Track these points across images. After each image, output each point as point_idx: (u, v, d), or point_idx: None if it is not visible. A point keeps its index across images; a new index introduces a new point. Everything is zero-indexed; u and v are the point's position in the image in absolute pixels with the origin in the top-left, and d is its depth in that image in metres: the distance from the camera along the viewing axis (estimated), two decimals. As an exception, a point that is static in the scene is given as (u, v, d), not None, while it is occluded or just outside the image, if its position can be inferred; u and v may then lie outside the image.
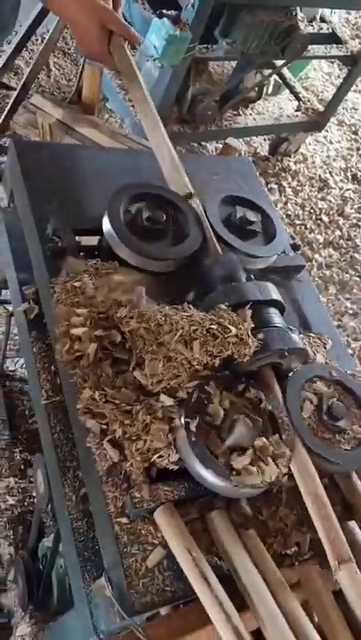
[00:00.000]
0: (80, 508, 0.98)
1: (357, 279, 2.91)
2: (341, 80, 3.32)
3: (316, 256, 2.98)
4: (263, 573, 0.82)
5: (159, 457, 0.88)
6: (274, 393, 0.98)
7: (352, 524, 0.92)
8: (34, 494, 1.65)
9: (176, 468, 0.89)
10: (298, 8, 2.55)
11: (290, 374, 1.03)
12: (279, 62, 2.90)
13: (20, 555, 1.45)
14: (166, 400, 0.91)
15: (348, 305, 2.76)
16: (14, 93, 2.62)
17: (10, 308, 1.55)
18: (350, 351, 2.54)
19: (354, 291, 2.85)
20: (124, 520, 0.87)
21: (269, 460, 0.88)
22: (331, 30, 3.02)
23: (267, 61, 2.81)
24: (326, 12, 3.08)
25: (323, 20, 3.06)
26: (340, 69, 4.15)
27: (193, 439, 0.87)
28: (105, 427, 0.91)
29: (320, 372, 1.05)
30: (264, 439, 0.90)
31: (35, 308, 1.17)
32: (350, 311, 2.74)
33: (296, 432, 0.95)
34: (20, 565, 1.40)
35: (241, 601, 0.81)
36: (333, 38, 3.01)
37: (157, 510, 0.86)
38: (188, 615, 0.80)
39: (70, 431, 1.04)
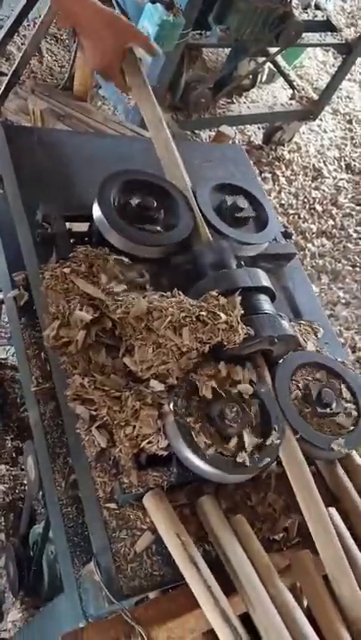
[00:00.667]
0: (70, 494, 0.98)
1: (350, 269, 2.92)
2: (336, 69, 3.30)
3: (310, 245, 2.98)
4: (251, 558, 0.83)
5: (148, 443, 0.88)
6: (264, 379, 0.99)
7: (331, 509, 0.93)
8: (25, 482, 1.65)
9: (165, 453, 0.89)
10: (292, -6, 2.53)
11: (280, 361, 1.03)
12: (273, 50, 2.88)
13: (11, 541, 1.46)
14: (156, 386, 0.91)
15: (341, 294, 2.77)
16: (5, 79, 2.60)
17: (0, 295, 1.54)
18: (342, 340, 2.55)
19: (346, 280, 2.85)
20: (113, 505, 0.87)
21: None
22: (326, 18, 3.00)
23: (261, 49, 2.79)
24: (321, -1, 3.06)
25: (317, 7, 3.04)
26: (335, 58, 4.12)
27: (182, 425, 0.87)
28: (94, 413, 0.91)
29: (310, 359, 1.06)
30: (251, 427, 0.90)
31: (24, 294, 1.17)
32: (343, 300, 2.74)
33: (285, 418, 0.95)
34: (10, 552, 1.41)
35: (229, 585, 0.82)
36: (328, 26, 2.99)
37: (146, 496, 0.86)
38: (177, 599, 0.81)
39: (60, 418, 1.04)
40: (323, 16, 2.99)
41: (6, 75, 2.85)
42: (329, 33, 2.97)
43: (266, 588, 0.81)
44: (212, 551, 0.87)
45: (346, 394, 1.04)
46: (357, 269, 2.92)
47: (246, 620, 0.80)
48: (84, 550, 0.94)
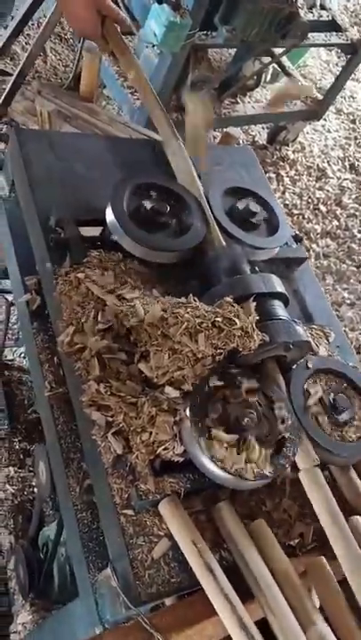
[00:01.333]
0: (84, 499, 0.98)
1: (355, 269, 2.92)
2: (340, 68, 3.29)
3: (314, 246, 2.98)
4: (270, 563, 0.83)
5: (164, 449, 0.89)
6: (278, 385, 0.99)
7: (358, 517, 0.93)
8: (33, 483, 1.66)
9: (181, 460, 0.89)
10: (298, -5, 2.52)
11: (293, 367, 1.03)
12: (278, 50, 2.88)
13: (21, 544, 1.46)
14: (172, 392, 0.91)
15: (346, 295, 2.77)
16: (10, 79, 2.59)
17: (9, 297, 1.55)
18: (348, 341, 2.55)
19: (351, 281, 2.85)
20: (130, 512, 0.87)
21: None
22: (331, 18, 2.99)
23: (266, 49, 2.79)
24: (326, -1, 3.05)
25: (322, 7, 3.03)
26: (339, 57, 4.12)
27: (198, 431, 0.87)
28: (110, 419, 0.91)
29: (324, 364, 1.06)
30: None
31: (37, 298, 1.17)
32: (348, 301, 2.74)
33: (300, 425, 0.95)
34: (20, 554, 1.41)
35: (246, 591, 0.82)
36: (333, 26, 2.98)
37: (162, 502, 0.86)
38: (194, 606, 0.81)
39: (74, 422, 1.04)
40: (328, 16, 2.98)
41: (11, 75, 2.84)
42: (334, 33, 2.96)
43: (284, 594, 0.81)
44: (228, 557, 0.88)
45: (358, 397, 1.04)
46: (362, 270, 2.93)
47: (264, 626, 0.80)
48: (99, 555, 0.94)
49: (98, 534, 0.96)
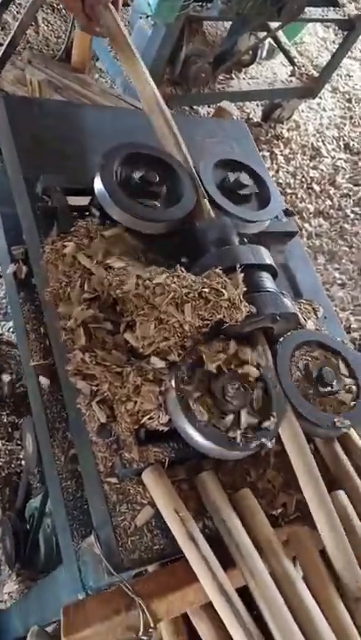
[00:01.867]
0: (69, 469, 0.98)
1: (346, 249, 2.91)
2: (337, 46, 3.25)
3: (306, 225, 2.97)
4: (254, 531, 0.83)
5: (149, 418, 0.88)
6: (265, 357, 0.98)
7: (340, 492, 0.94)
8: (21, 456, 1.66)
9: (166, 429, 0.89)
10: (296, -33, 2.47)
11: (281, 339, 1.03)
12: (274, 25, 2.83)
13: (8, 515, 1.47)
14: (157, 362, 0.91)
15: (337, 275, 2.77)
16: (1, 49, 2.54)
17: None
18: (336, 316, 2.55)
19: (343, 261, 2.85)
20: (114, 480, 0.87)
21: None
22: (328, -8, 2.94)
23: (262, 23, 2.74)
24: (324, -28, 2.99)
25: (320, -19, 2.97)
26: (336, 34, 4.06)
27: (183, 401, 0.87)
28: (95, 388, 0.91)
29: (311, 337, 1.06)
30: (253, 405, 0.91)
31: (24, 268, 1.15)
32: (339, 281, 2.74)
33: (286, 396, 0.95)
34: (7, 526, 1.42)
35: (227, 559, 0.83)
36: (331, 1, 2.94)
37: (145, 471, 0.86)
38: (176, 572, 0.82)
39: (59, 393, 1.04)
40: (326, -10, 2.93)
41: (1, 45, 2.79)
42: (331, 8, 2.92)
43: (268, 561, 0.82)
44: (211, 526, 0.88)
45: (345, 371, 1.04)
46: (354, 250, 2.92)
47: (245, 593, 0.81)
48: (82, 523, 0.94)
49: (82, 503, 0.96)
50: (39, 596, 1.15)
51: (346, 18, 2.91)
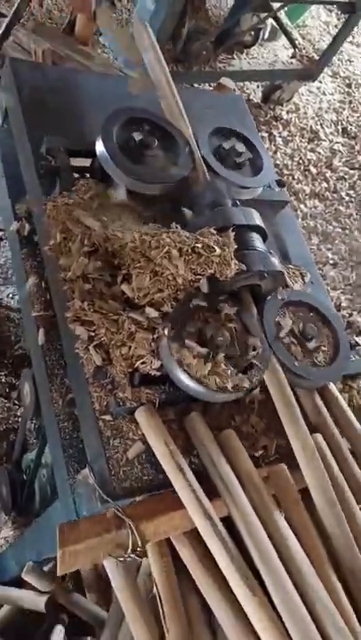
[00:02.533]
0: (66, 411, 1.05)
1: (340, 231, 2.97)
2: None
3: (302, 206, 3.03)
4: (237, 468, 0.91)
5: (142, 363, 0.95)
6: (251, 312, 1.05)
7: (317, 435, 1.01)
8: (18, 414, 1.73)
9: (158, 374, 0.96)
10: None
11: (268, 297, 1.10)
12: (276, 5, 2.86)
13: (5, 466, 1.54)
14: (151, 312, 0.98)
15: (330, 255, 2.83)
16: (5, 20, 2.56)
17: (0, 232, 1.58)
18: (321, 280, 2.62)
19: (336, 242, 2.91)
20: (108, 417, 0.94)
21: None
22: (331, -25, 2.97)
23: (264, 3, 2.77)
24: None
25: None
26: (338, 19, 4.08)
27: (174, 346, 0.93)
28: (92, 334, 0.97)
29: (296, 297, 1.12)
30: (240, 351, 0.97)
31: (26, 225, 1.21)
32: (331, 261, 2.81)
33: (271, 349, 1.02)
34: (4, 475, 1.49)
35: (211, 492, 0.90)
36: (333, -17, 2.97)
37: (138, 409, 0.93)
38: (164, 500, 0.89)
39: (58, 342, 1.10)
40: (328, -27, 2.96)
41: (6, 16, 2.80)
42: (334, -9, 2.95)
43: (248, 493, 0.89)
44: (197, 462, 0.95)
45: (325, 329, 1.11)
46: (347, 232, 2.98)
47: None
48: (77, 461, 1.01)
49: (78, 442, 1.03)
50: (35, 534, 1.23)
51: (347, 0, 2.93)
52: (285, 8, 2.95)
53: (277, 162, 3.19)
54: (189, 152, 1.18)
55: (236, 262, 1.01)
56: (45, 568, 1.26)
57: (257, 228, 1.09)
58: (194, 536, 0.88)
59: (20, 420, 1.71)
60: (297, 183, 3.14)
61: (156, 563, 0.91)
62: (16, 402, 1.80)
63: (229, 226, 1.04)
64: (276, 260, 1.07)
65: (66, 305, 1.00)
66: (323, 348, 1.08)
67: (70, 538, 0.82)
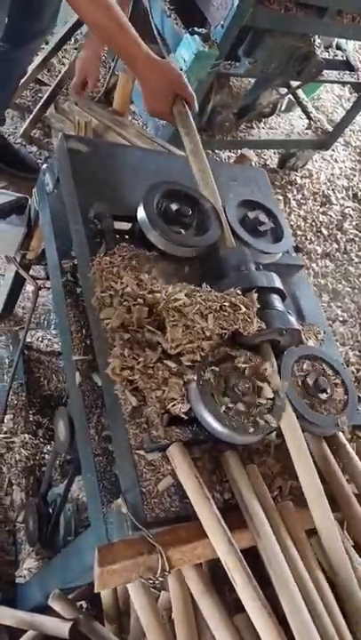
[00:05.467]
0: (101, 446, 1.17)
1: (349, 290, 3.13)
2: (351, 103, 3.54)
3: (313, 265, 3.20)
4: (260, 500, 1.02)
5: (173, 405, 1.08)
6: (271, 364, 1.18)
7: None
8: (44, 450, 1.84)
9: (186, 417, 1.08)
10: (316, 35, 2.77)
11: (285, 352, 1.23)
12: (295, 83, 3.12)
13: (32, 500, 1.64)
14: (183, 361, 1.11)
15: (339, 312, 2.97)
16: (46, 89, 2.82)
17: (39, 282, 1.74)
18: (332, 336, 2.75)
19: (345, 300, 3.06)
20: (142, 452, 1.06)
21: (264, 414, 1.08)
22: (345, 58, 3.24)
23: (284, 81, 3.03)
24: (342, 40, 3.30)
25: (338, 47, 3.28)
26: (351, 93, 4.38)
27: (202, 391, 1.06)
28: (130, 378, 1.10)
29: (310, 352, 1.25)
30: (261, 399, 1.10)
31: (72, 280, 1.37)
32: (341, 318, 2.95)
33: (287, 397, 1.14)
34: (32, 508, 1.59)
35: (235, 524, 1.00)
36: (347, 65, 3.24)
37: (171, 446, 1.05)
38: (190, 529, 0.99)
39: (95, 385, 1.23)
40: (342, 56, 3.24)
41: (46, 84, 3.08)
42: (347, 72, 3.21)
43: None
44: (219, 498, 1.06)
45: (337, 381, 1.23)
46: (356, 291, 3.14)
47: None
48: (109, 492, 1.12)
49: (111, 476, 1.14)
50: (62, 562, 1.32)
51: (360, 81, 3.20)
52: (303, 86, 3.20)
53: (291, 223, 3.39)
54: (219, 221, 1.34)
55: (259, 320, 1.15)
56: (70, 596, 1.35)
57: (277, 290, 1.23)
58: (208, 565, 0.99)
59: (47, 456, 1.82)
60: (309, 243, 3.33)
61: (175, 588, 1.01)
62: (42, 439, 1.92)
63: (253, 287, 1.19)
64: (293, 319, 1.21)
65: (107, 352, 1.13)
66: (333, 399, 1.21)
67: (108, 558, 0.92)
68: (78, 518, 1.55)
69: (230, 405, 1.08)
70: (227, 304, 1.14)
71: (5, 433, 1.81)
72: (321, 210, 3.52)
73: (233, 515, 1.03)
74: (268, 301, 1.20)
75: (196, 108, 1.44)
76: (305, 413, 1.15)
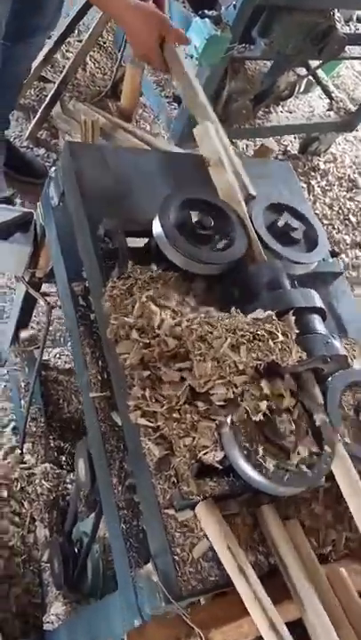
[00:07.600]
0: (126, 497, 1.04)
1: (384, 281, 2.93)
2: (374, 80, 3.32)
3: (343, 256, 3.01)
4: (304, 564, 0.87)
5: (205, 454, 0.93)
6: (314, 396, 1.03)
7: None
8: (67, 480, 1.72)
9: (221, 467, 0.94)
10: (335, 9, 2.55)
11: (329, 379, 1.07)
12: (314, 62, 2.91)
13: (56, 538, 1.52)
14: (214, 400, 0.96)
15: (375, 308, 2.78)
16: (51, 85, 2.68)
17: (52, 300, 1.61)
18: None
19: (380, 293, 2.87)
20: (172, 511, 0.92)
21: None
22: (367, 31, 3.01)
23: (302, 61, 2.82)
24: (363, 12, 3.07)
25: (359, 20, 3.05)
26: (373, 68, 4.13)
27: (238, 437, 0.91)
28: (154, 425, 0.96)
29: (358, 377, 1.09)
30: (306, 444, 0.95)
31: (83, 305, 1.22)
32: (377, 314, 2.76)
33: (336, 434, 0.99)
34: (56, 548, 1.47)
35: (282, 592, 0.86)
36: (369, 38, 3.01)
37: (198, 505, 0.91)
38: (232, 604, 0.85)
39: (115, 425, 1.09)
40: (364, 29, 3.01)
41: (50, 81, 2.93)
42: (370, 46, 2.98)
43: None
44: (264, 561, 0.92)
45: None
46: (391, 282, 2.94)
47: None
48: (137, 551, 0.99)
49: (138, 531, 1.01)
50: (90, 620, 1.20)
51: (384, 55, 2.97)
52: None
53: (317, 211, 3.20)
54: (245, 231, 1.18)
55: (299, 350, 1.00)
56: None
57: (317, 310, 1.08)
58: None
59: (70, 486, 1.70)
60: (337, 233, 3.14)
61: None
62: (63, 466, 1.80)
63: (290, 309, 1.03)
64: (337, 344, 1.05)
65: (126, 391, 0.99)
66: (389, 432, 1.05)
67: (139, 646, 0.79)
68: (106, 559, 1.42)
69: (271, 451, 0.93)
70: (260, 332, 0.99)
71: (24, 463, 1.69)
72: (348, 196, 3.32)
73: (280, 579, 0.89)
74: (307, 324, 1.04)
75: (189, 39, 1.47)
76: (359, 453, 1.00)
